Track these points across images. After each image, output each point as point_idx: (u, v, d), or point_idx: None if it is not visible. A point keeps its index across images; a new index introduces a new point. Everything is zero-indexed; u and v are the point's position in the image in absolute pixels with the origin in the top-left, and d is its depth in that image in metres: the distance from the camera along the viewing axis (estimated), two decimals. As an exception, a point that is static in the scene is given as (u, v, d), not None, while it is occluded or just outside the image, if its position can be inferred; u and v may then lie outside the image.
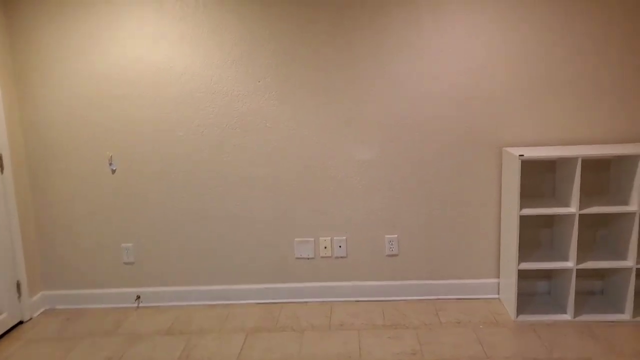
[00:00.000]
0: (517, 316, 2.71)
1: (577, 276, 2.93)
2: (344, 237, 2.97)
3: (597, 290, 2.95)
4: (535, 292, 2.98)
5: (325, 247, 2.97)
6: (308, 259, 3.00)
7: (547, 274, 2.96)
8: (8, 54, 2.86)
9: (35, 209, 3.03)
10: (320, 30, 2.76)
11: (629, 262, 2.63)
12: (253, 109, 2.86)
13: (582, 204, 2.65)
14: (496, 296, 2.97)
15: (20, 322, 2.93)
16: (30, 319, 2.98)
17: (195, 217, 2.99)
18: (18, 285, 2.91)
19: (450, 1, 2.69)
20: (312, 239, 2.98)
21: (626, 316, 2.65)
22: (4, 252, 2.81)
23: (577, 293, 2.94)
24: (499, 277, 2.95)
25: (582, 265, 2.63)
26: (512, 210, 2.67)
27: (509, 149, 2.75)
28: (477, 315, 2.76)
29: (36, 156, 2.97)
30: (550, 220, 2.91)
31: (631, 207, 2.59)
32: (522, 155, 2.57)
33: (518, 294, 2.97)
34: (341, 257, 3.00)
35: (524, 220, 2.90)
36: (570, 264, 2.65)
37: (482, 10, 2.70)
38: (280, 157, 2.91)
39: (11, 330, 2.85)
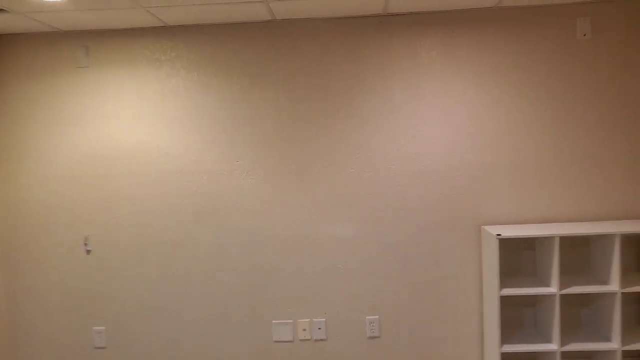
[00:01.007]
0: (503, 404, 2.60)
1: (563, 358, 2.85)
2: (324, 319, 2.89)
3: (585, 372, 2.86)
4: (522, 374, 2.88)
5: (304, 330, 2.88)
6: (287, 342, 2.90)
7: (534, 357, 2.88)
8: (-12, 136, 2.88)
9: (6, 290, 2.94)
10: (300, 113, 2.82)
11: (614, 344, 2.56)
12: (232, 188, 2.87)
13: (563, 284, 2.62)
14: (482, 380, 2.87)
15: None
16: (-8, 410, 2.82)
17: (171, 299, 2.91)
18: (-19, 374, 2.77)
19: (426, 85, 2.78)
20: (291, 321, 2.90)
21: (615, 402, 2.56)
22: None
23: (564, 375, 2.85)
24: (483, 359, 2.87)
25: (566, 348, 2.56)
26: (492, 291, 2.63)
27: (488, 228, 2.74)
28: (462, 402, 2.65)
29: (11, 237, 2.92)
30: (533, 298, 2.86)
31: (612, 287, 2.56)
32: (500, 234, 2.56)
33: (504, 376, 2.87)
34: (321, 339, 2.90)
35: (506, 300, 2.86)
36: (554, 346, 2.58)
37: (459, 93, 2.79)
38: (258, 236, 2.88)
39: None
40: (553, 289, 2.57)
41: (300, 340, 2.90)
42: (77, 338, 2.93)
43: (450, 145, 2.81)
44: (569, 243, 2.83)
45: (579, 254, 2.83)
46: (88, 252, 2.90)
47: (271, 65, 2.80)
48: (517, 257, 2.85)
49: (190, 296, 2.90)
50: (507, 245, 2.84)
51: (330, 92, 2.81)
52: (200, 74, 2.82)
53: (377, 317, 2.88)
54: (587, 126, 2.77)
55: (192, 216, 2.87)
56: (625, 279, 2.66)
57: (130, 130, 2.86)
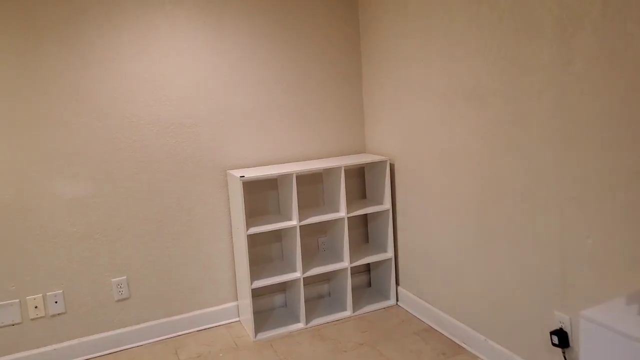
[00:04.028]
0: (255, 336, 2.74)
1: (306, 284, 3.17)
2: (61, 291, 2.55)
3: (325, 294, 3.24)
4: (273, 307, 3.09)
5: (36, 307, 2.49)
6: (13, 325, 2.46)
7: (283, 287, 3.11)
8: None
9: None
10: (7, 48, 2.33)
11: (345, 263, 2.95)
12: None
13: (302, 216, 2.87)
14: (237, 319, 2.97)
15: None
16: None
17: None
18: None
19: (159, 25, 2.61)
20: (17, 300, 2.46)
21: (348, 312, 2.97)
22: None
23: (308, 300, 3.17)
24: (237, 300, 2.97)
25: (308, 274, 2.83)
26: (240, 231, 2.72)
27: (232, 172, 2.80)
28: (218, 343, 2.70)
29: None
30: (279, 234, 3.07)
31: (340, 214, 2.92)
32: (243, 176, 2.64)
33: (257, 312, 3.04)
34: (59, 314, 2.55)
35: (254, 239, 2.99)
36: (297, 274, 2.83)
37: (195, 36, 2.70)
38: (-42, 206, 2.32)
39: None
40: (293, 222, 2.79)
41: (32, 319, 2.50)
42: None
43: (192, 94, 2.73)
44: (306, 180, 3.10)
45: (315, 189, 3.14)
46: None
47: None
48: (263, 198, 3.00)
49: None
50: (252, 187, 2.96)
51: (47, 25, 2.39)
52: None
53: (124, 277, 2.68)
54: (314, 77, 3.03)
55: None
56: (350, 206, 3.07)
57: None
